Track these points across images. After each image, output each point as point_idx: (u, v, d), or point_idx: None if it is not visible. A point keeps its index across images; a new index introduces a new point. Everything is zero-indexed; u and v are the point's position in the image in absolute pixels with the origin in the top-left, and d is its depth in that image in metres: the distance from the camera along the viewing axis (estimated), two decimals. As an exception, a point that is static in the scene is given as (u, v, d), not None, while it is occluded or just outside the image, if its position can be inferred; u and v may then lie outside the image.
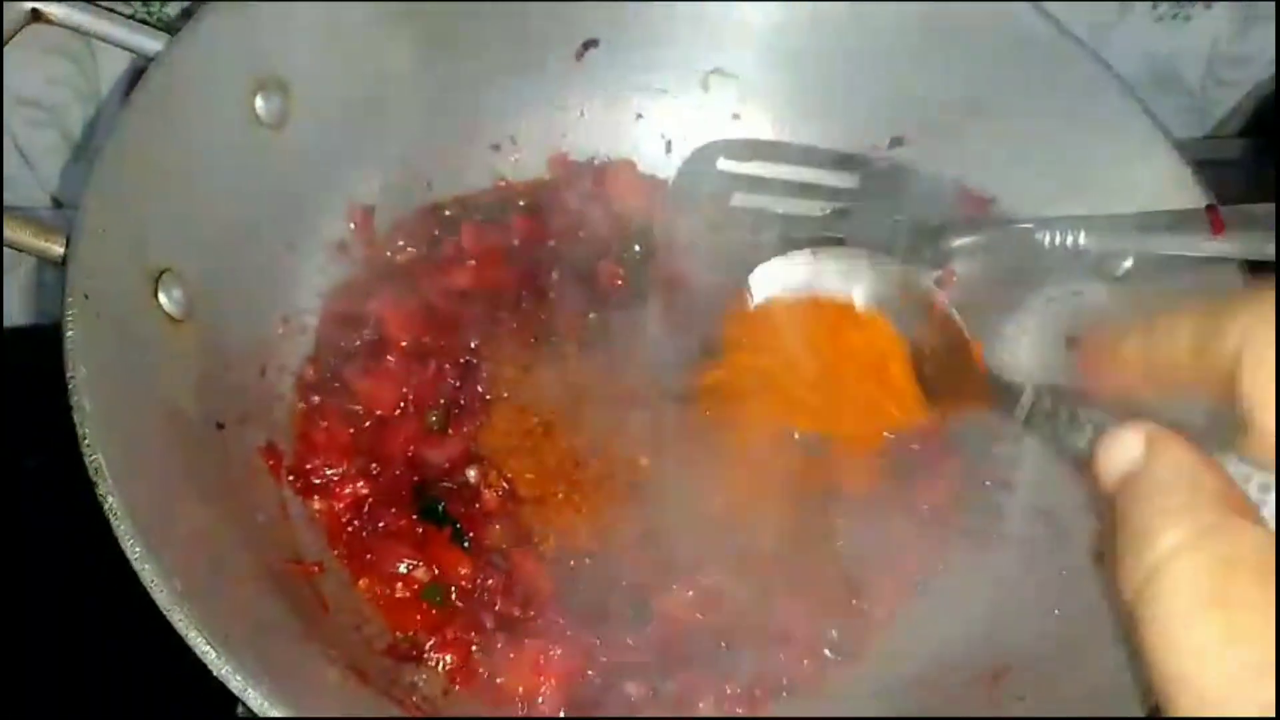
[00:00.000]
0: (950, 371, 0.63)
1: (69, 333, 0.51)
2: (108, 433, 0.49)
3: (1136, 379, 0.43)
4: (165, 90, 0.61)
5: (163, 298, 0.58)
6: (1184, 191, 0.67)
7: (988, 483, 0.71)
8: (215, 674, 0.45)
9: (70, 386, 0.50)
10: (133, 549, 0.46)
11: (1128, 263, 0.70)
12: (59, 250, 0.54)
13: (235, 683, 0.44)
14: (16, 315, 0.92)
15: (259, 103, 0.66)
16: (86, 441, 0.48)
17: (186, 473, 0.55)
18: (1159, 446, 0.37)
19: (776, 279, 0.68)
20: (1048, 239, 0.68)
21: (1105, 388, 0.44)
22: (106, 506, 0.47)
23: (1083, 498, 0.67)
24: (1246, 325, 0.37)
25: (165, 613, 0.45)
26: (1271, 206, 0.62)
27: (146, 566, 0.46)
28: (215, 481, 0.58)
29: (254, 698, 0.44)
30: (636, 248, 0.78)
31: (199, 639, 0.45)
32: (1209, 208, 0.63)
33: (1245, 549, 0.33)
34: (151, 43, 0.63)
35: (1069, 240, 0.67)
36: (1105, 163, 0.71)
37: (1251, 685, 0.31)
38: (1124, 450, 0.38)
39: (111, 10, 0.65)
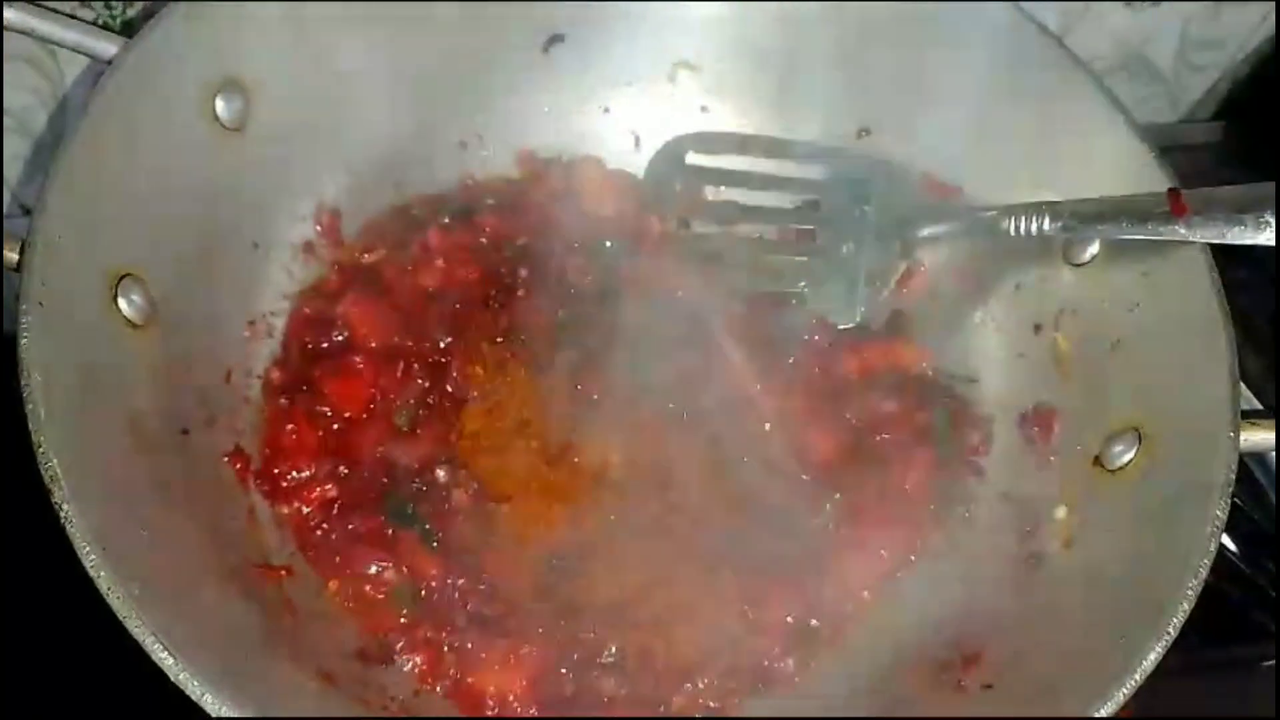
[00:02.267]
0: None
1: (23, 340, 0.51)
2: (64, 440, 0.49)
3: None
4: (122, 94, 0.61)
5: (122, 303, 0.58)
6: (1148, 175, 0.67)
7: (956, 465, 0.71)
8: (173, 680, 0.44)
9: (25, 394, 0.49)
10: (87, 556, 0.46)
11: (1093, 248, 0.70)
12: (14, 257, 0.54)
13: (193, 689, 0.44)
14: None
15: (219, 104, 0.66)
16: (41, 449, 0.48)
17: (149, 479, 0.55)
18: None
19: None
20: (1013, 226, 0.68)
21: None
22: (61, 514, 0.47)
23: (1051, 485, 0.68)
24: None
25: (122, 619, 0.45)
26: (1235, 189, 0.62)
27: (101, 573, 0.46)
28: (180, 487, 0.58)
29: (211, 703, 0.44)
30: (606, 243, 0.78)
31: (155, 645, 0.45)
32: (1171, 191, 0.63)
33: None
34: (108, 46, 0.62)
35: (1034, 227, 0.67)
36: (1070, 149, 0.71)
37: None
38: None
39: (71, 16, 0.65)
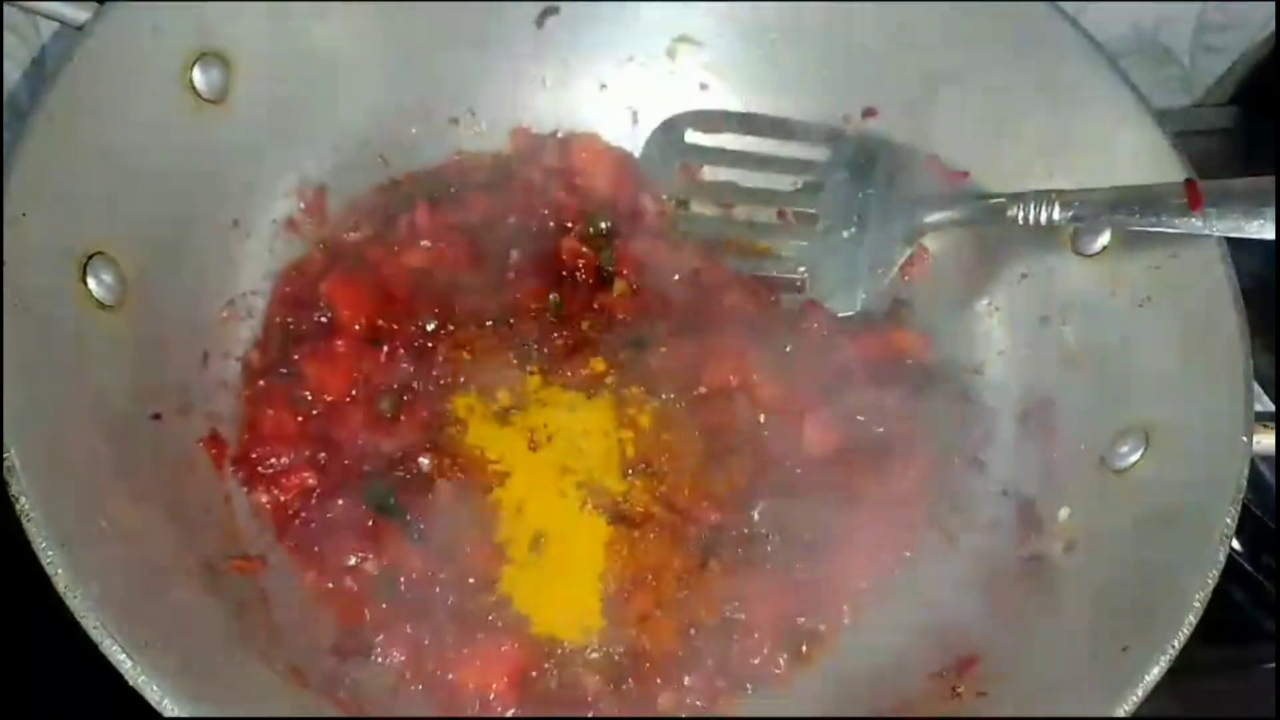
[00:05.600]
0: None
1: (-18, 324, 0.48)
2: (24, 428, 0.47)
3: None
4: (93, 63, 0.58)
5: (92, 283, 0.56)
6: (1164, 164, 0.65)
7: (957, 460, 0.69)
8: (130, 683, 0.42)
9: (-18, 382, 0.47)
10: (45, 551, 0.44)
11: (1104, 239, 0.68)
12: (-25, 235, 0.52)
13: (152, 693, 0.42)
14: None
15: (197, 75, 0.64)
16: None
17: (117, 469, 0.53)
18: None
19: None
20: (1022, 214, 0.65)
21: None
22: (18, 506, 0.45)
23: (1054, 484, 0.66)
24: None
25: (79, 618, 0.43)
26: (1252, 181, 0.59)
27: (59, 570, 0.44)
28: (150, 477, 0.56)
29: (170, 707, 0.42)
30: (601, 224, 0.75)
31: (113, 646, 0.43)
32: (1187, 181, 0.60)
33: None
34: (79, 13, 0.60)
35: (1044, 215, 0.64)
36: (1083, 135, 0.69)
37: None
38: None
39: (43, -21, 0.62)
